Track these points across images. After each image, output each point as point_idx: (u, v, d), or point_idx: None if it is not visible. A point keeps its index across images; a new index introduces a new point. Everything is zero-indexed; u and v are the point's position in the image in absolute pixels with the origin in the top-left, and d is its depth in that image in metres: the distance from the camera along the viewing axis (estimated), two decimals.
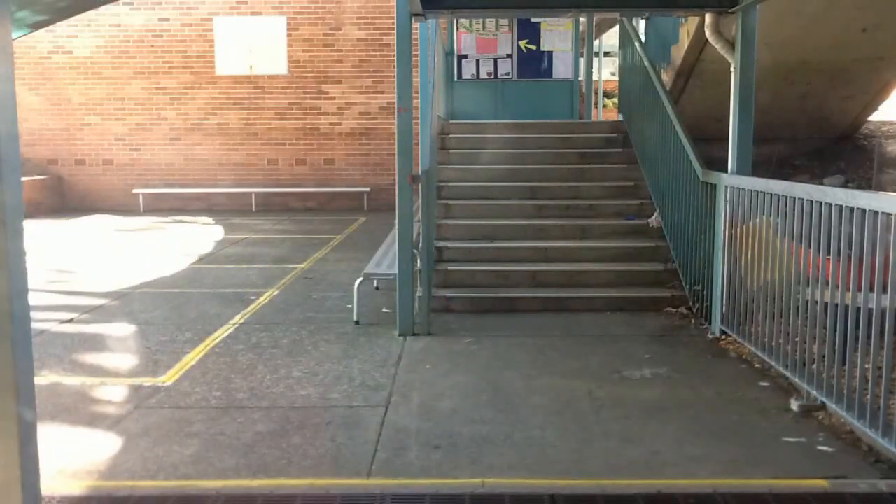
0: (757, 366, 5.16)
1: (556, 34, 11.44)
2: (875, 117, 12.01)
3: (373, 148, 15.16)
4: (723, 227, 5.74)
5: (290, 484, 3.48)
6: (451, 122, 10.29)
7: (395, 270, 6.07)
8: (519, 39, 11.47)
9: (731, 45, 6.08)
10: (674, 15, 9.16)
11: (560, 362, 5.32)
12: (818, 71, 9.70)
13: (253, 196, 15.14)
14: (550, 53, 11.50)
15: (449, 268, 7.15)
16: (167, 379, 4.96)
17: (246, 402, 4.54)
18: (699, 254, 6.32)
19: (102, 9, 14.53)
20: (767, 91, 8.70)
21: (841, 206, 3.93)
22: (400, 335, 5.93)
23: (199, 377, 4.99)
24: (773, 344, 4.84)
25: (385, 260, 6.99)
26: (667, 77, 10.23)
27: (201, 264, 9.21)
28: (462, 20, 11.22)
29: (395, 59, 5.93)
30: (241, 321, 6.44)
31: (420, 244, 6.41)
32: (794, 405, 4.35)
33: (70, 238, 11.59)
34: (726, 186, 5.68)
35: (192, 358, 5.41)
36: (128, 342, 5.88)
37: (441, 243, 7.46)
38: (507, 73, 11.51)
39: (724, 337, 5.77)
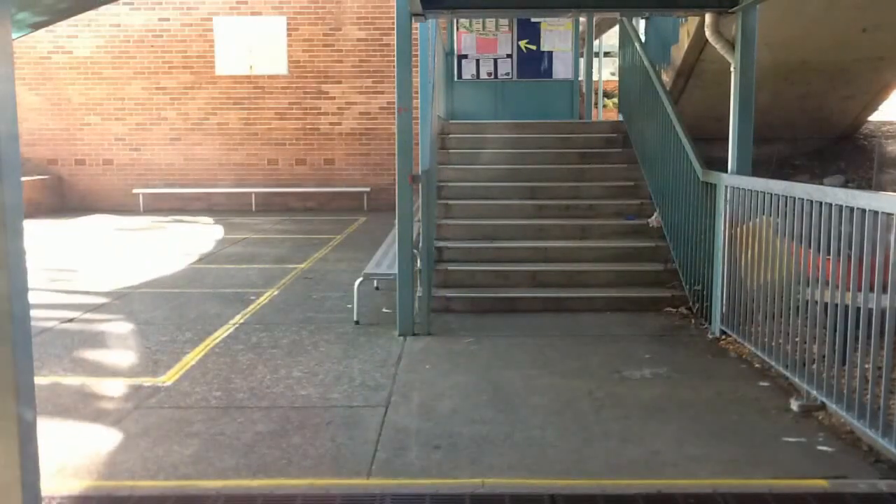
0: (757, 366, 5.16)
1: (556, 34, 11.44)
2: (875, 117, 12.01)
3: (373, 148, 15.17)
4: (723, 227, 5.74)
5: (290, 484, 3.48)
6: (451, 122, 10.29)
7: (395, 270, 6.07)
8: (519, 39, 11.47)
9: (731, 45, 6.08)
10: (674, 15, 9.16)
11: (560, 362, 5.32)
12: (818, 71, 9.70)
13: (253, 196, 15.14)
14: (550, 53, 11.50)
15: (449, 268, 7.15)
16: (167, 379, 4.96)
17: (246, 402, 4.54)
18: (699, 254, 6.32)
19: (102, 9, 14.53)
20: (767, 91, 8.70)
21: (841, 206, 3.93)
22: (400, 335, 5.93)
23: (199, 377, 4.99)
24: (773, 344, 4.84)
25: (385, 260, 6.99)
26: (667, 77, 10.23)
27: (201, 264, 9.21)
28: (462, 20, 11.22)
29: (395, 59, 5.93)
30: (242, 321, 6.44)
31: (420, 244, 6.41)
32: (794, 405, 4.35)
33: (70, 238, 11.59)
34: (726, 186, 5.68)
35: (192, 358, 5.41)
36: (128, 342, 5.88)
37: (441, 243, 7.46)
38: (507, 73, 11.51)
39: (724, 337, 5.77)
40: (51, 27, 12.91)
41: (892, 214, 3.54)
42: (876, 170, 10.58)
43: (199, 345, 5.73)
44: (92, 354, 5.60)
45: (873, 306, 3.62)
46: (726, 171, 5.99)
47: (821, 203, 4.16)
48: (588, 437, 4.00)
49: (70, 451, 3.84)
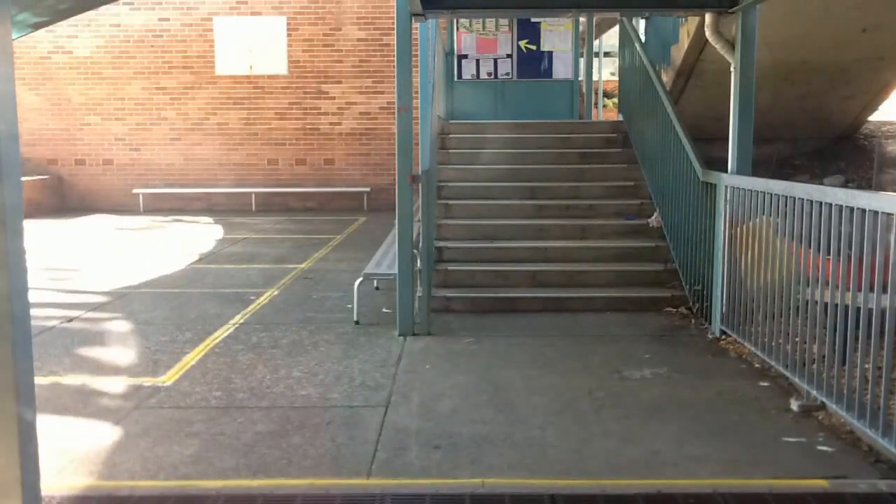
0: (757, 366, 5.16)
1: (556, 34, 11.44)
2: (875, 117, 12.01)
3: (373, 148, 15.17)
4: (723, 227, 5.74)
5: (290, 484, 3.48)
6: (451, 122, 10.29)
7: (395, 270, 6.07)
8: (519, 39, 11.48)
9: (731, 45, 6.08)
10: (674, 15, 9.16)
11: (560, 362, 5.32)
12: (818, 71, 9.70)
13: (253, 196, 15.14)
14: (550, 53, 11.50)
15: (449, 268, 7.15)
16: (167, 379, 4.96)
17: (246, 402, 4.54)
18: (699, 254, 6.32)
19: (102, 9, 14.54)
20: (767, 91, 8.70)
21: (841, 206, 3.93)
22: (400, 335, 5.93)
23: (199, 377, 4.99)
24: (773, 344, 4.84)
25: (385, 260, 6.99)
26: (667, 77, 10.23)
27: (201, 264, 9.21)
28: (462, 20, 11.22)
29: (395, 59, 5.93)
30: (242, 321, 6.44)
31: (420, 244, 6.41)
32: (794, 405, 4.35)
33: (70, 238, 11.59)
34: (726, 186, 5.68)
35: (192, 358, 5.41)
36: (128, 342, 5.88)
37: (441, 243, 7.46)
38: (507, 73, 11.51)
39: (724, 337, 5.77)
40: (51, 27, 12.90)
41: (892, 214, 3.54)
42: (876, 170, 10.59)
43: (199, 345, 5.73)
44: (92, 354, 5.60)
45: (873, 306, 3.62)
46: (726, 171, 5.99)
47: (821, 203, 4.16)
48: (588, 437, 4.00)
49: (70, 450, 3.84)
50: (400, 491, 3.39)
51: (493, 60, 11.49)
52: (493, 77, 11.51)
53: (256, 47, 15.01)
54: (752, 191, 5.21)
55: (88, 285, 7.96)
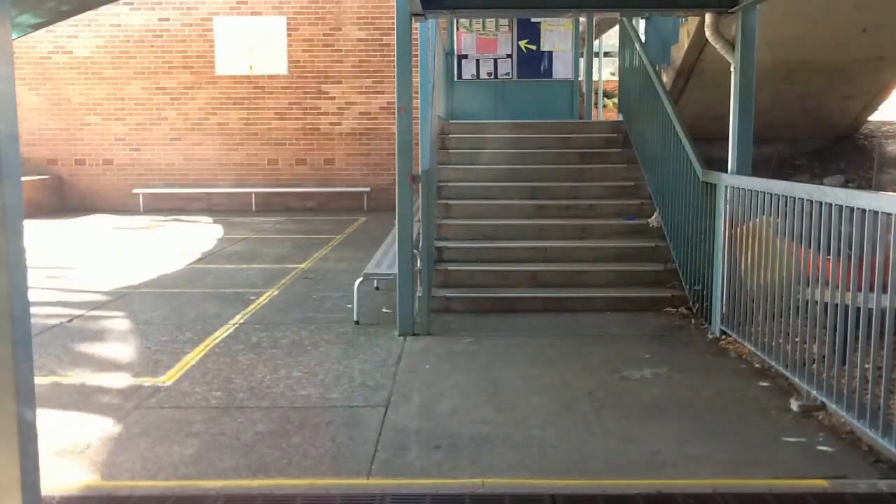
0: (757, 366, 5.16)
1: (556, 34, 11.44)
2: (875, 117, 12.01)
3: (373, 148, 15.17)
4: (723, 227, 5.74)
5: (290, 484, 3.48)
6: (451, 122, 10.29)
7: (395, 270, 6.07)
8: (519, 39, 11.47)
9: (731, 45, 6.08)
10: (674, 15, 9.16)
11: (560, 362, 5.32)
12: (818, 71, 9.70)
13: (253, 196, 15.14)
14: (550, 53, 11.50)
15: (449, 268, 7.15)
16: (167, 379, 4.96)
17: (246, 402, 4.54)
18: (699, 254, 6.32)
19: (102, 9, 14.53)
20: (767, 91, 8.70)
21: (841, 206, 3.93)
22: (400, 335, 5.93)
23: (199, 377, 4.99)
24: (773, 344, 4.84)
25: (385, 260, 6.99)
26: (667, 77, 10.23)
27: (201, 264, 9.21)
28: (462, 20, 11.21)
29: (395, 59, 5.93)
30: (241, 321, 6.44)
31: (420, 244, 6.41)
32: (794, 405, 4.35)
33: (70, 238, 11.59)
34: (726, 186, 5.68)
35: (192, 358, 5.41)
36: (128, 342, 5.88)
37: (441, 243, 7.46)
38: (507, 73, 11.51)
39: (724, 337, 5.77)
40: (51, 27, 12.90)
41: (892, 214, 3.53)
42: (876, 170, 10.58)
43: (199, 345, 5.73)
44: (92, 354, 5.60)
45: (873, 306, 3.62)
46: (726, 171, 5.99)
47: (821, 203, 4.16)
48: (588, 437, 4.00)
49: (70, 450, 3.84)
50: (400, 491, 3.39)
51: (493, 60, 11.49)
52: (493, 77, 11.51)
53: (256, 47, 15.01)
54: (752, 191, 5.21)
55: (88, 285, 7.97)
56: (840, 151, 11.48)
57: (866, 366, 3.72)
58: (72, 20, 14.14)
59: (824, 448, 3.85)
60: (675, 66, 10.08)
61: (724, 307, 5.78)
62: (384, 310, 6.75)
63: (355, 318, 6.35)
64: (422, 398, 4.60)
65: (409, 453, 3.81)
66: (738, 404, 4.50)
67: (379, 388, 4.78)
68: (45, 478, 3.02)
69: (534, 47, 11.47)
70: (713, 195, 5.91)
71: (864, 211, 3.73)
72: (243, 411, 4.39)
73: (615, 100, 13.13)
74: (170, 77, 15.15)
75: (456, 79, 11.43)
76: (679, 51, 9.91)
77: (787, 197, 4.61)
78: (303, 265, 8.99)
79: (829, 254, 4.08)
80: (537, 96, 11.43)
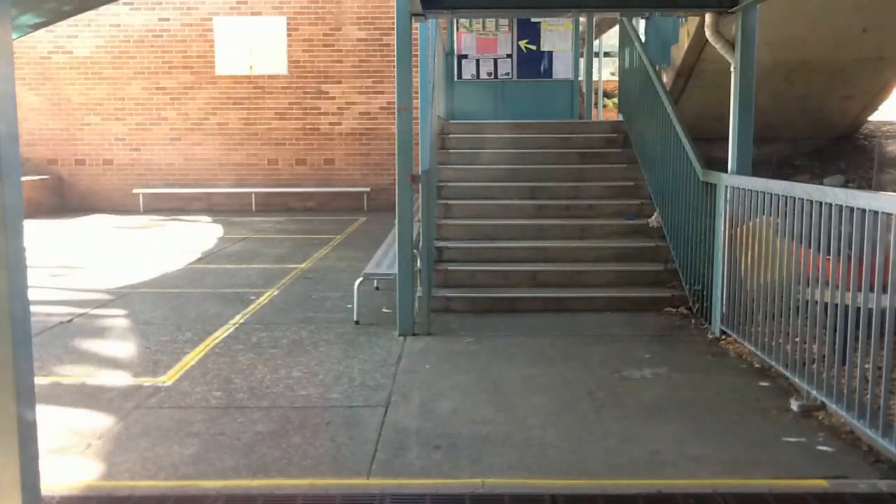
0: (757, 366, 5.16)
1: (556, 34, 11.44)
2: (875, 117, 12.01)
3: (373, 148, 15.17)
4: (723, 227, 5.74)
5: (290, 484, 3.48)
6: (451, 122, 10.29)
7: (395, 270, 6.07)
8: (519, 39, 11.47)
9: (731, 45, 6.08)
10: (674, 15, 9.16)
11: (560, 362, 5.32)
12: (818, 71, 9.70)
13: (253, 196, 15.14)
14: (550, 53, 11.50)
15: (449, 268, 7.15)
16: (167, 379, 4.96)
17: (246, 402, 4.54)
18: (699, 254, 6.32)
19: (102, 9, 14.53)
20: (767, 91, 8.70)
21: (841, 206, 3.93)
22: (400, 335, 5.93)
23: (199, 377, 4.99)
24: (773, 344, 4.84)
25: (385, 260, 6.99)
26: (667, 77, 10.23)
27: (201, 264, 9.21)
28: (462, 20, 11.21)
29: (395, 59, 5.93)
30: (241, 321, 6.44)
31: (420, 244, 6.41)
32: (794, 405, 4.35)
33: (70, 237, 11.59)
34: (726, 186, 5.68)
35: (192, 358, 5.41)
36: (128, 342, 5.88)
37: (441, 243, 7.46)
38: (507, 73, 11.51)
39: (724, 337, 5.77)
40: (51, 27, 12.90)
41: (892, 214, 3.54)
42: (876, 170, 10.58)
43: (199, 345, 5.73)
44: (92, 354, 5.60)
45: (873, 306, 3.62)
46: (726, 171, 5.99)
47: (821, 203, 4.16)
48: (588, 437, 4.00)
49: (70, 450, 3.84)
50: (400, 491, 3.39)
51: (493, 60, 11.49)
52: (493, 77, 11.51)
53: (256, 47, 15.01)
54: (752, 191, 5.21)
55: (88, 284, 7.96)
56: (840, 151, 11.48)
57: (866, 366, 3.72)
58: (72, 20, 14.14)
59: (824, 448, 3.85)
60: (675, 66, 10.08)
61: (724, 307, 5.78)
62: (384, 310, 6.75)
63: (355, 318, 6.35)
64: (422, 398, 4.60)
65: (409, 453, 3.81)
66: (738, 404, 4.50)
67: (379, 388, 4.78)
68: (45, 478, 3.03)
69: (534, 47, 11.47)
70: (713, 195, 5.91)
71: (864, 211, 3.73)
72: (243, 411, 4.39)
73: (615, 100, 13.13)
74: (170, 77, 15.15)
75: (456, 79, 11.43)
76: (679, 51, 9.91)
77: (787, 197, 4.61)
78: (303, 265, 8.99)
79: (829, 254, 4.08)
80: (537, 96, 11.43)
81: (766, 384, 4.83)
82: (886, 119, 12.59)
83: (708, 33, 6.35)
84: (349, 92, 15.07)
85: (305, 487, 3.44)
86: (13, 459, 1.74)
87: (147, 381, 4.92)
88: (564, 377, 4.99)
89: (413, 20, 6.04)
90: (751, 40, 5.91)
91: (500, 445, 3.89)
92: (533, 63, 11.50)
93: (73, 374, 5.09)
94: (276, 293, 7.49)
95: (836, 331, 3.98)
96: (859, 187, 10.08)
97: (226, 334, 6.03)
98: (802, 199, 4.39)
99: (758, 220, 5.11)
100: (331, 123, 15.17)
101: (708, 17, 6.31)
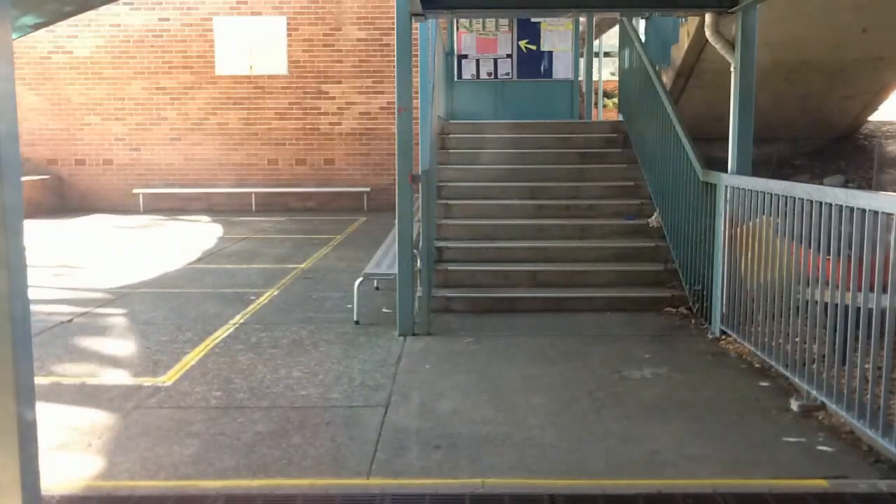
0: (757, 366, 5.16)
1: (556, 34, 11.44)
2: (875, 117, 12.01)
3: (373, 148, 15.17)
4: (723, 227, 5.74)
5: (290, 484, 3.48)
6: (451, 122, 10.29)
7: (395, 270, 6.07)
8: (519, 39, 11.47)
9: (731, 45, 6.08)
10: (674, 15, 9.16)
11: (560, 362, 5.32)
12: (818, 71, 9.70)
13: (253, 196, 15.14)
14: (550, 53, 11.50)
15: (449, 268, 7.15)
16: (167, 379, 4.96)
17: (246, 402, 4.54)
18: (699, 254, 6.32)
19: (102, 9, 14.53)
20: (767, 91, 8.70)
21: (841, 206, 3.93)
22: (400, 335, 5.93)
23: (199, 377, 4.99)
24: (773, 344, 4.84)
25: (385, 260, 6.99)
26: (667, 77, 10.23)
27: (201, 264, 9.21)
28: (462, 20, 11.21)
29: (395, 59, 5.93)
30: (242, 321, 6.44)
31: (420, 244, 6.41)
32: (794, 405, 4.35)
33: (70, 237, 11.59)
34: (726, 186, 5.68)
35: (192, 358, 5.41)
36: (128, 342, 5.88)
37: (441, 243, 7.46)
38: (507, 73, 11.51)
39: (724, 337, 5.77)
40: (51, 27, 12.91)
41: (892, 214, 3.54)
42: (876, 170, 10.59)
43: (199, 345, 5.73)
44: (92, 354, 5.60)
45: (873, 306, 3.62)
46: (726, 171, 5.99)
47: (821, 203, 4.16)
48: (588, 437, 4.00)
49: (70, 450, 3.84)
50: (400, 491, 3.39)
51: (493, 60, 11.49)
52: (493, 77, 11.51)
53: (256, 47, 15.00)
54: (752, 191, 5.21)
55: (88, 285, 7.96)
56: (840, 151, 11.48)
57: (866, 366, 3.72)
58: (72, 20, 14.14)
59: (824, 448, 3.85)
60: (675, 66, 10.08)
61: (724, 307, 5.78)
62: (384, 310, 6.75)
63: (355, 318, 6.35)
64: (422, 398, 4.60)
65: (409, 453, 3.81)
66: (738, 404, 4.50)
67: (379, 388, 4.78)
68: (45, 477, 3.03)
69: (534, 47, 11.47)
70: (713, 195, 5.91)
71: (863, 211, 3.73)
72: (243, 411, 4.39)
73: (615, 100, 13.13)
74: (170, 77, 15.15)
75: (456, 79, 11.43)
76: (679, 51, 9.91)
77: (787, 197, 4.61)
78: (303, 265, 8.99)
79: (829, 254, 4.08)
80: (537, 96, 11.43)
81: (766, 384, 4.83)
82: (886, 119, 12.59)
83: (708, 33, 6.35)
84: (349, 92, 15.07)
85: (305, 487, 3.44)
86: (13, 459, 1.74)
87: (147, 381, 4.92)
88: (564, 377, 4.99)
89: (413, 20, 6.05)
90: (751, 40, 5.91)
91: (499, 445, 3.89)
92: (533, 63, 11.50)
93: (73, 374, 5.09)
94: (276, 293, 7.49)
95: (836, 331, 3.98)
96: (859, 187, 10.08)
97: (226, 334, 6.03)
98: (802, 199, 4.39)
99: (758, 220, 5.11)
100: (331, 123, 15.17)
101: (708, 17, 6.31)
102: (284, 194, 15.20)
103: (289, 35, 14.95)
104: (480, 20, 11.24)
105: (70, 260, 9.52)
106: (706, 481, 3.47)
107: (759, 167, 7.01)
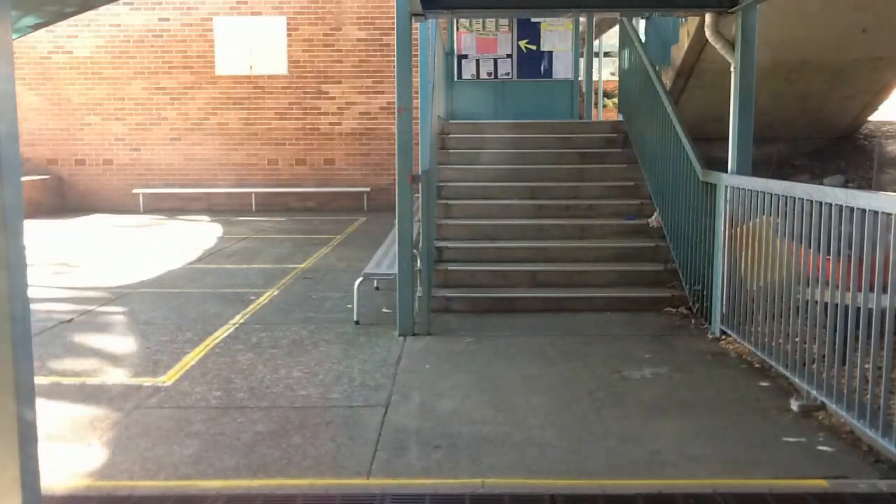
0: (757, 366, 5.16)
1: (556, 34, 11.44)
2: (875, 117, 12.01)
3: (373, 148, 15.16)
4: (723, 227, 5.74)
5: (290, 484, 3.48)
6: (451, 122, 10.29)
7: (395, 270, 6.07)
8: (519, 39, 11.47)
9: (731, 45, 6.08)
10: (674, 15, 9.16)
11: (560, 362, 5.32)
12: (818, 71, 9.70)
13: (253, 196, 15.14)
14: (550, 53, 11.49)
15: (449, 268, 7.15)
16: (167, 379, 4.96)
17: (246, 402, 4.54)
18: (699, 254, 6.32)
19: (102, 9, 14.52)
20: (767, 91, 8.70)
21: (841, 206, 3.93)
22: (400, 335, 5.93)
23: (200, 377, 4.99)
24: (773, 344, 4.84)
25: (385, 260, 6.99)
26: (667, 77, 10.23)
27: (201, 264, 9.21)
28: (462, 20, 11.21)
29: (395, 59, 5.93)
30: (242, 321, 6.44)
31: (420, 244, 6.41)
32: (794, 405, 4.35)
33: (70, 237, 11.59)
34: (726, 186, 5.68)
35: (192, 358, 5.41)
36: (128, 342, 5.88)
37: (441, 243, 7.46)
38: (507, 73, 11.51)
39: (724, 337, 5.77)
40: (51, 27, 12.91)
41: (892, 214, 3.54)
42: (876, 170, 10.58)
43: (199, 345, 5.73)
44: (92, 354, 5.60)
45: (873, 306, 3.62)
46: (726, 171, 5.99)
47: (821, 203, 4.16)
48: (588, 437, 4.00)
49: (70, 450, 3.84)
50: (400, 491, 3.39)
51: (493, 60, 11.49)
52: (493, 77, 11.51)
53: (256, 47, 15.00)
54: (752, 191, 5.21)
55: (89, 284, 7.96)
56: (840, 151, 11.48)
57: (866, 366, 3.72)
58: (72, 20, 14.13)
59: (824, 448, 3.85)
60: (675, 66, 10.08)
61: (724, 307, 5.78)
62: (384, 310, 6.75)
63: (355, 318, 6.35)
64: (422, 398, 4.60)
65: (409, 453, 3.81)
66: (738, 404, 4.50)
67: (379, 388, 4.78)
68: (45, 477, 3.03)
69: (534, 47, 11.47)
70: (713, 195, 5.91)
71: (864, 211, 3.73)
72: (243, 411, 4.39)
73: (615, 100, 13.13)
74: (170, 77, 15.15)
75: (456, 79, 11.43)
76: (679, 51, 9.91)
77: (787, 197, 4.61)
78: (303, 265, 8.99)
79: (829, 254, 4.08)
80: (537, 96, 11.43)
81: (766, 384, 4.83)
82: (886, 119, 12.59)
83: (708, 33, 6.35)
84: (349, 92, 15.07)
85: (305, 487, 3.44)
86: (13, 459, 1.74)
87: (147, 381, 4.92)
88: (564, 377, 4.99)
89: (413, 20, 6.05)
90: (751, 40, 5.91)
91: (499, 445, 3.89)
92: (533, 63, 11.50)
93: (73, 374, 5.09)
94: (276, 293, 7.49)
95: (835, 331, 3.98)
96: (859, 187, 10.08)
97: (226, 334, 6.03)
98: (802, 199, 4.39)
99: (758, 220, 5.11)
100: (331, 123, 15.17)
101: (708, 17, 6.31)
102: (284, 194, 15.20)
103: (289, 35, 14.95)
104: (480, 20, 11.24)
105: (70, 259, 9.52)
106: (706, 481, 3.47)
107: (759, 167, 7.02)
